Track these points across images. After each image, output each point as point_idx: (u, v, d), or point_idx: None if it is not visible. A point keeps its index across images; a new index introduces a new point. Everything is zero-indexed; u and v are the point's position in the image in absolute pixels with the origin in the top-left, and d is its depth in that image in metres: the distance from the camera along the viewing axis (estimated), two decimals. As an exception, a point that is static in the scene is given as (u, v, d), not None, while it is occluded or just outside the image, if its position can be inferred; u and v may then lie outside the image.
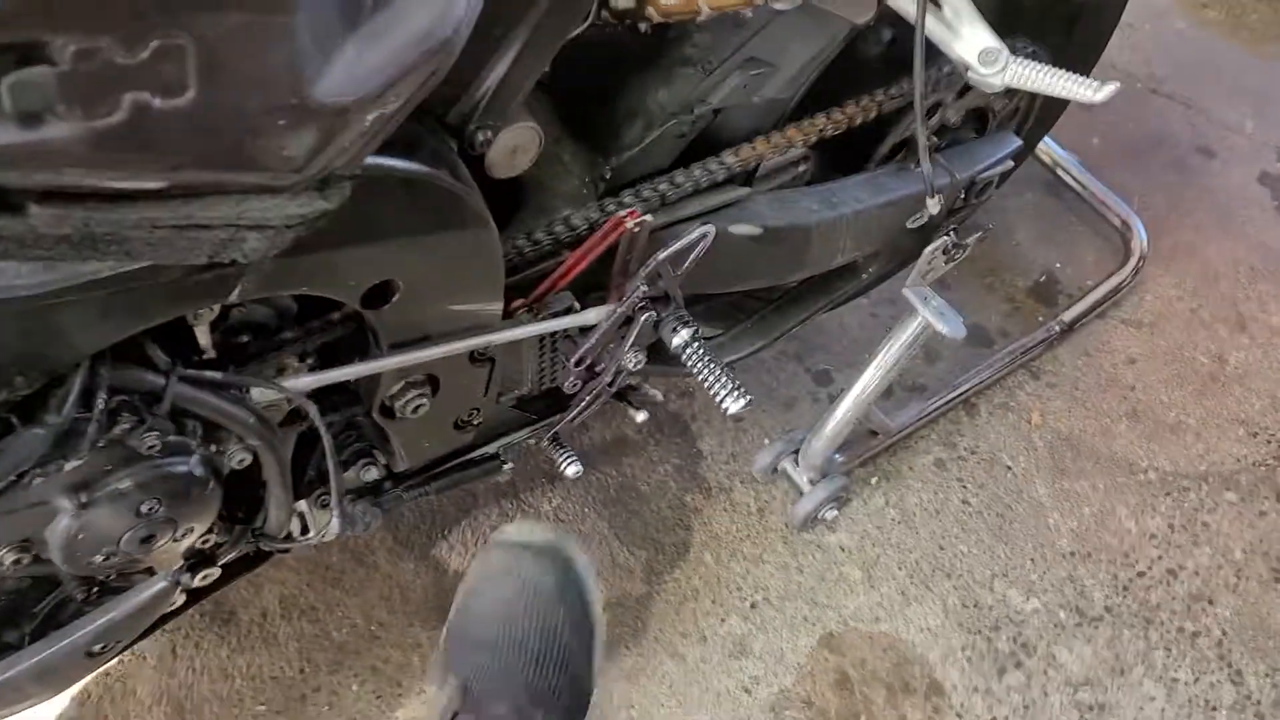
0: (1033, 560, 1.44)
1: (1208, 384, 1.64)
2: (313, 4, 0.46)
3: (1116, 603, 1.41)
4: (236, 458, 0.75)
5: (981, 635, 1.37)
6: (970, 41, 0.89)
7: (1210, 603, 1.41)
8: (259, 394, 0.75)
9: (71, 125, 0.41)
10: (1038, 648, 1.36)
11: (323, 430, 0.77)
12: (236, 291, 0.64)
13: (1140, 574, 1.44)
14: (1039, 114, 1.38)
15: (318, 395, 0.84)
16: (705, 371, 0.98)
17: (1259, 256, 1.80)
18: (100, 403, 0.61)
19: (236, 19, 0.44)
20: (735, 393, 0.97)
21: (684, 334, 1.00)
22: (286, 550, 0.92)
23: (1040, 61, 1.09)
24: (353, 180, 0.55)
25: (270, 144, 0.48)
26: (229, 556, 0.88)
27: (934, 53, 0.96)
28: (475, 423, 0.98)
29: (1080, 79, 0.86)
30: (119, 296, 0.58)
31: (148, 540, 0.71)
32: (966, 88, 1.19)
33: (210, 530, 0.79)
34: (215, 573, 0.87)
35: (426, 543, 1.35)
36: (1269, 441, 1.57)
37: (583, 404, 1.03)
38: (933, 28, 0.90)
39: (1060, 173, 1.82)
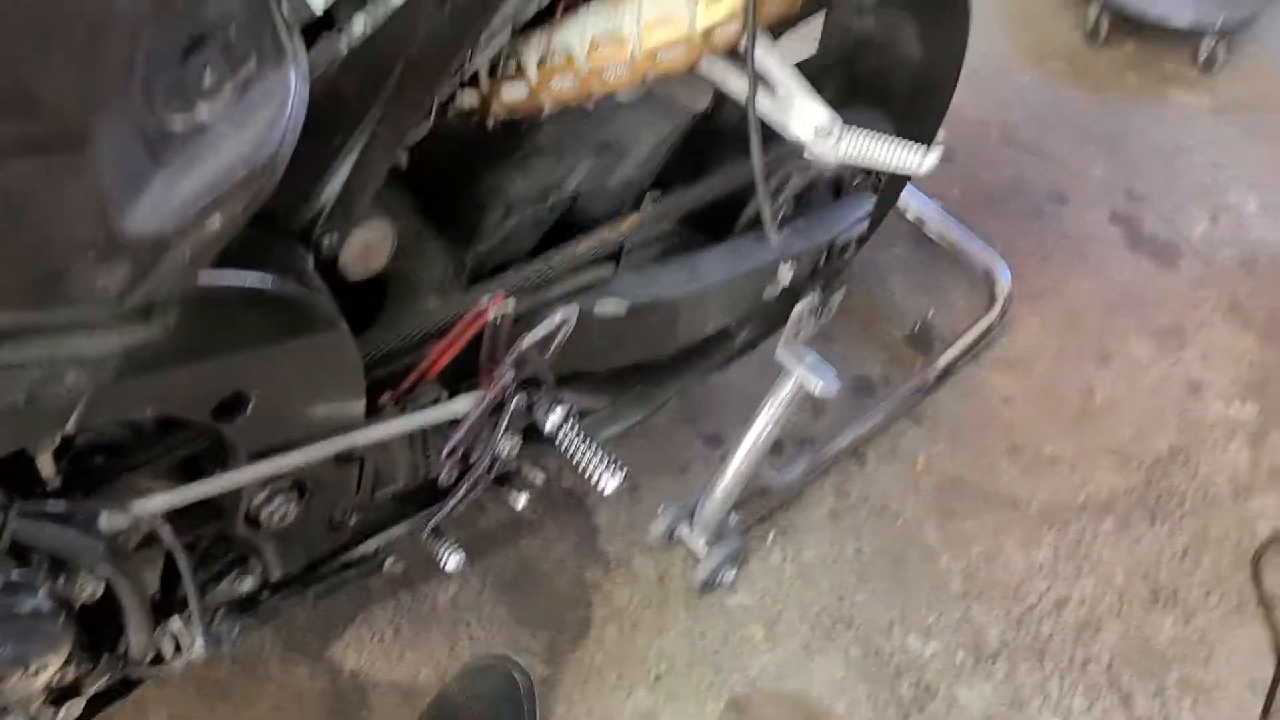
0: (928, 604, 1.47)
1: (1079, 417, 1.71)
2: (111, 141, 0.47)
3: (1011, 638, 1.45)
4: (87, 589, 0.73)
5: (884, 683, 1.39)
6: (804, 118, 0.94)
7: (1097, 630, 1.46)
8: (111, 519, 0.73)
9: None
10: (939, 690, 1.39)
11: (178, 553, 0.76)
12: (73, 421, 0.63)
13: (1030, 607, 1.48)
14: (890, 176, 1.44)
15: (179, 511, 0.83)
16: (579, 451, 1.00)
17: (1116, 292, 1.90)
18: (-70, 546, 0.59)
19: (26, 164, 0.44)
20: (610, 469, 0.98)
21: (557, 414, 1.01)
22: (154, 675, 0.89)
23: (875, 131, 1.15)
24: (180, 303, 0.55)
25: (81, 279, 0.48)
26: (96, 686, 0.85)
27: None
28: (350, 522, 0.97)
29: (907, 145, 0.91)
30: (-56, 437, 0.57)
31: (-4, 681, 0.68)
32: (815, 156, 1.24)
33: (69, 662, 0.77)
34: (80, 705, 0.84)
35: (320, 645, 1.32)
36: (1139, 468, 1.65)
37: (460, 494, 1.03)
38: (767, 108, 0.94)
39: (925, 223, 1.90)
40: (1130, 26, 2.37)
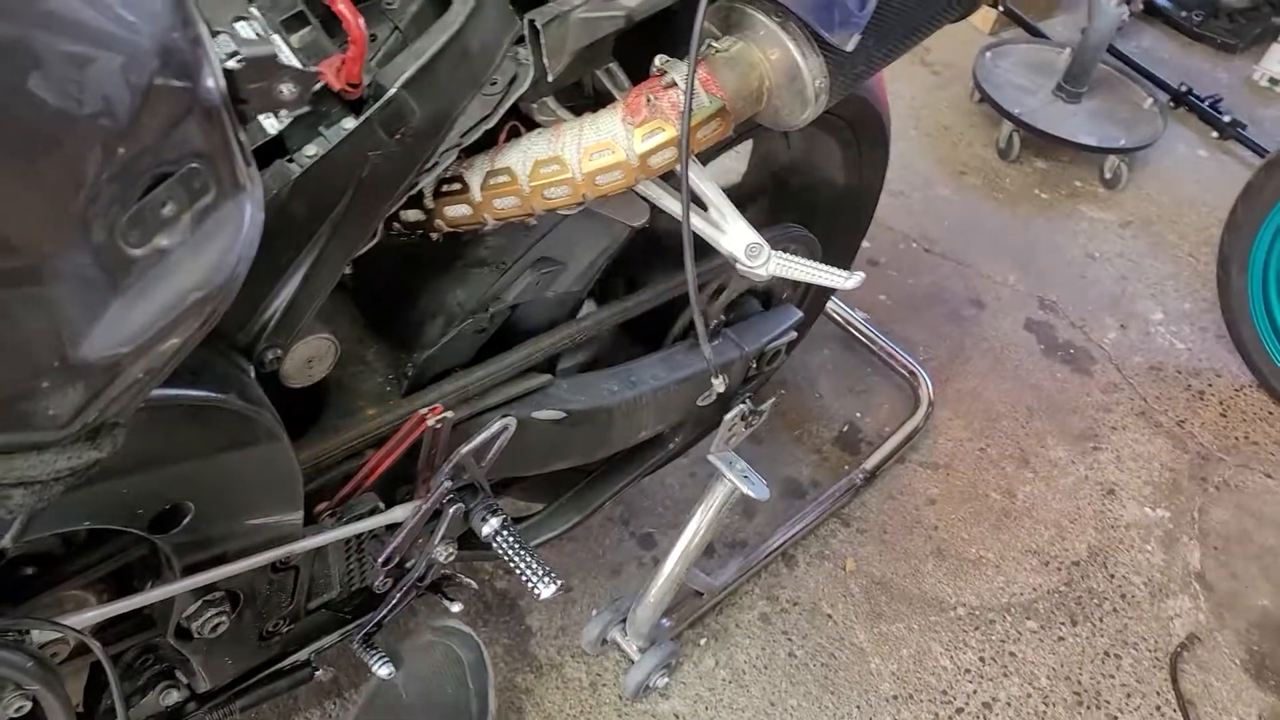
0: (859, 708, 1.48)
1: (1001, 519, 1.76)
2: (67, 272, 0.48)
3: (939, 741, 1.46)
4: (13, 706, 0.72)
5: (816, 790, 1.39)
6: (735, 238, 0.98)
7: (1024, 731, 1.49)
8: (42, 635, 0.72)
9: None
10: (870, 796, 1.39)
11: (108, 667, 0.74)
12: (10, 537, 0.63)
13: (959, 710, 1.50)
14: (818, 287, 1.50)
15: (108, 621, 0.82)
16: (515, 558, 1.00)
17: (1033, 396, 1.98)
18: None
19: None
20: (546, 578, 0.99)
21: (493, 523, 1.02)
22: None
23: (804, 249, 1.21)
24: (127, 425, 0.56)
25: (33, 405, 0.49)
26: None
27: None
28: (283, 632, 0.96)
29: (832, 269, 0.96)
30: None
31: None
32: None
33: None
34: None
35: (243, 757, 1.28)
36: (1059, 569, 1.70)
37: (394, 601, 1.03)
38: (702, 227, 0.99)
39: (852, 330, 1.96)
40: (1040, 144, 2.52)
